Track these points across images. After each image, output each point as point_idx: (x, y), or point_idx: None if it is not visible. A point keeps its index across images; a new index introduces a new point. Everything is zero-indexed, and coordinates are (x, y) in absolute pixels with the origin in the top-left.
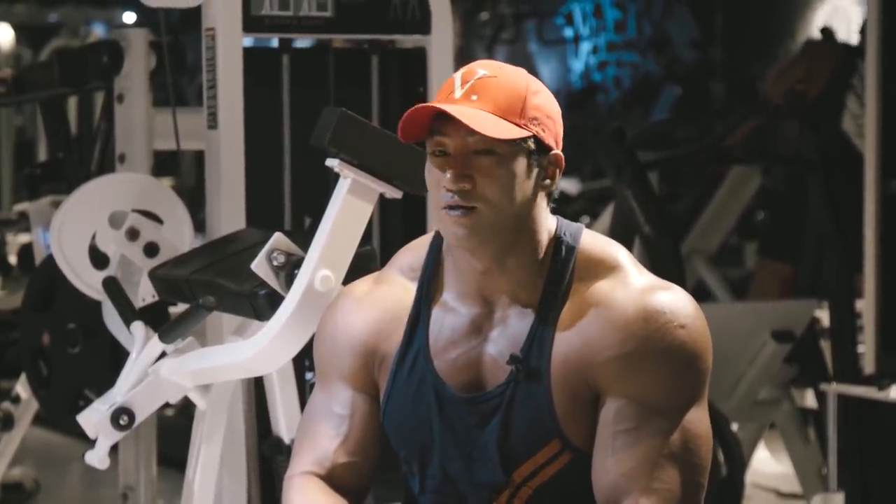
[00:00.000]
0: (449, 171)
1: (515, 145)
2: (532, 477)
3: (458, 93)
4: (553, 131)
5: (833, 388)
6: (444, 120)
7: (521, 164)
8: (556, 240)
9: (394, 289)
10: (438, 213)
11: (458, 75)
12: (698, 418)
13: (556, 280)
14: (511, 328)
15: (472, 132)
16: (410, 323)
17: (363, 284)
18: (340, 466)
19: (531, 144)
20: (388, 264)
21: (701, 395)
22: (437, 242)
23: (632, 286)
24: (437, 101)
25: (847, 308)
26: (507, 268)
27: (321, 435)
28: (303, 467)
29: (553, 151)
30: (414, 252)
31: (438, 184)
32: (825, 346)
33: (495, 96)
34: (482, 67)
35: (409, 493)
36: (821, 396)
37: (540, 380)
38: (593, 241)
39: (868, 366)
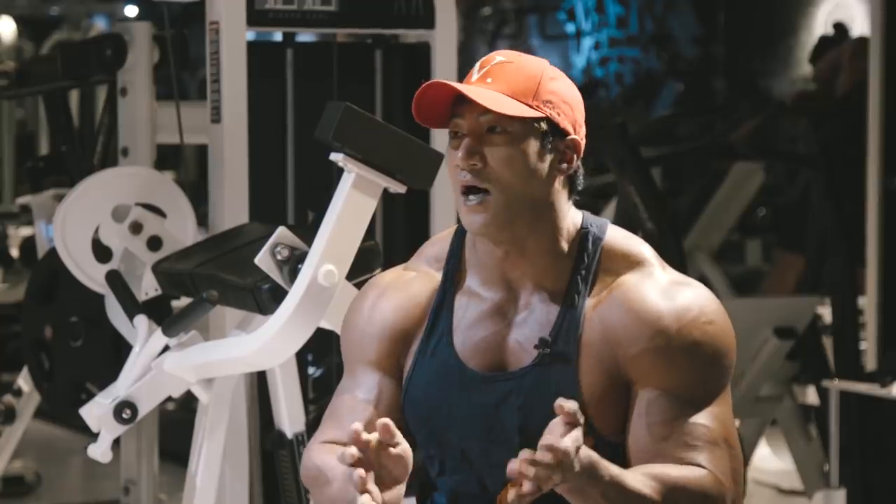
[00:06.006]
0: (462, 149)
1: (527, 125)
2: None
3: (475, 76)
4: (570, 116)
5: (835, 385)
6: (460, 103)
7: (533, 144)
8: (582, 231)
9: (420, 277)
10: (458, 201)
11: (478, 63)
12: (725, 411)
13: (582, 269)
14: (537, 314)
15: (484, 111)
16: (435, 308)
17: (389, 274)
18: None
19: (543, 126)
20: (415, 256)
21: (725, 389)
22: (461, 231)
23: (658, 280)
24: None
25: (849, 304)
26: (528, 252)
27: (345, 415)
28: (324, 438)
29: (570, 136)
30: (439, 243)
31: (456, 166)
32: (827, 342)
33: (509, 79)
34: (501, 55)
35: (427, 476)
36: (822, 393)
37: (568, 363)
38: (619, 234)
39: (870, 362)
